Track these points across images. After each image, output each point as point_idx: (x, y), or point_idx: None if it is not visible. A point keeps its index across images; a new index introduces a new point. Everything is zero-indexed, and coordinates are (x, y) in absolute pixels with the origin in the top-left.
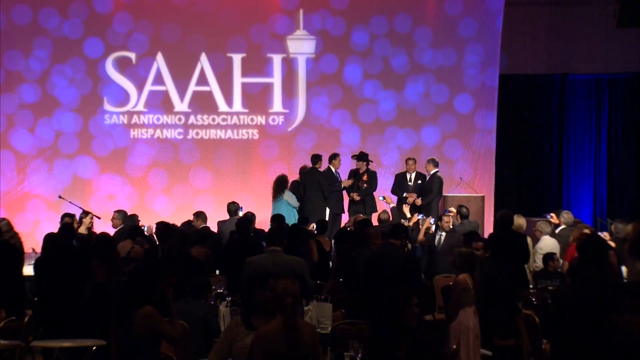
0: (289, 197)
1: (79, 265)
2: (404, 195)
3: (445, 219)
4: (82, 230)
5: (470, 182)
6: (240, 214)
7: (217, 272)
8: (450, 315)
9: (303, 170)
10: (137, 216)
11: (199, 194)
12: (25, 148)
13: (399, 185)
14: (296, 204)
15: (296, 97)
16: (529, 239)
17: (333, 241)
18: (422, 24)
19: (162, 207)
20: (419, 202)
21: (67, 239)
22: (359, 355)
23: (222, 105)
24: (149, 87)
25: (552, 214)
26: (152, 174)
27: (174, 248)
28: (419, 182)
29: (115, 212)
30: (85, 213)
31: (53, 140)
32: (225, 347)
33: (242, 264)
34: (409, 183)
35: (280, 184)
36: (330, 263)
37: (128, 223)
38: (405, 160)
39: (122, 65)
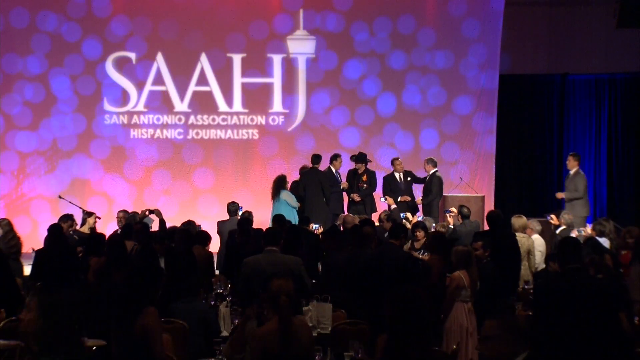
0: (287, 197)
1: (73, 263)
2: (399, 199)
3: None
4: (85, 229)
5: (470, 182)
6: (240, 214)
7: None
8: (444, 311)
9: (303, 171)
10: (138, 216)
11: (200, 194)
12: (25, 148)
13: (391, 187)
14: (295, 204)
15: (296, 97)
16: (538, 240)
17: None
18: (425, 25)
19: (162, 207)
20: (419, 201)
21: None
22: (359, 355)
23: (222, 105)
24: (149, 87)
25: (552, 215)
26: (152, 174)
27: (179, 247)
28: (409, 178)
29: (120, 211)
30: (89, 214)
31: (53, 141)
32: (241, 339)
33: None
34: (400, 182)
35: (277, 185)
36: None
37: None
38: (391, 162)
39: (122, 66)
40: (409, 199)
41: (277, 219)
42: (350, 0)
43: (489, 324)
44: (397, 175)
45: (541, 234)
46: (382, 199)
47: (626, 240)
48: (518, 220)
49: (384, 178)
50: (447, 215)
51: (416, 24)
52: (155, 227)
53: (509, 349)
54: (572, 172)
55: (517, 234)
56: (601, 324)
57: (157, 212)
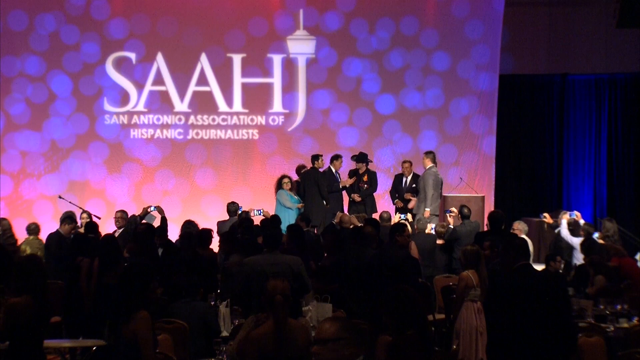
0: (280, 197)
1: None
2: (404, 197)
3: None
4: (82, 229)
5: (470, 182)
6: (239, 213)
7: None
8: (453, 311)
9: (302, 171)
10: (137, 217)
11: (201, 194)
12: (25, 149)
13: (396, 187)
14: (290, 204)
15: (296, 97)
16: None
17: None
18: (428, 26)
19: (164, 207)
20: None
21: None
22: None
23: (222, 105)
24: (149, 87)
25: (546, 214)
26: (152, 174)
27: (185, 248)
28: (414, 185)
29: (118, 212)
30: (83, 212)
31: (53, 141)
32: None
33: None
34: (404, 186)
35: (276, 185)
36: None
37: (130, 224)
38: (402, 163)
39: (122, 66)
40: (401, 204)
41: (272, 219)
42: (353, 0)
43: (326, 325)
44: (404, 178)
45: (528, 235)
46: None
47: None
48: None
49: (395, 176)
50: (448, 215)
51: (419, 25)
52: (157, 223)
53: (348, 351)
54: (425, 169)
55: None
56: (550, 315)
57: (159, 209)
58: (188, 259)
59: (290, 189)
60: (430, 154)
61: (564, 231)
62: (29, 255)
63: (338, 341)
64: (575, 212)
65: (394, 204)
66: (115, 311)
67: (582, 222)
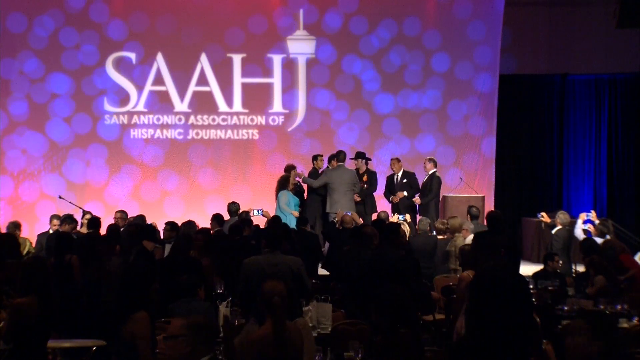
0: (280, 199)
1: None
2: (390, 198)
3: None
4: (84, 230)
5: (470, 182)
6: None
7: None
8: (454, 311)
9: (292, 170)
10: (145, 217)
11: (200, 194)
12: (26, 149)
13: (389, 187)
14: (286, 208)
15: (296, 97)
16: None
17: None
18: (430, 27)
19: (165, 207)
20: (417, 201)
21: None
22: (359, 355)
23: (222, 105)
24: (149, 87)
25: (543, 213)
26: (152, 174)
27: (179, 250)
28: (405, 180)
29: (117, 212)
30: (85, 213)
31: (54, 142)
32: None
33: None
34: (395, 183)
35: (278, 185)
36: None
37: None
38: (390, 160)
39: (122, 66)
40: (397, 200)
41: (273, 220)
42: (356, 1)
43: (175, 322)
44: (395, 176)
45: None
46: (401, 218)
47: None
48: (454, 221)
49: (387, 177)
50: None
51: (421, 26)
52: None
53: (191, 348)
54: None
55: (455, 234)
56: (521, 316)
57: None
58: (186, 260)
59: (291, 190)
60: (341, 153)
61: (578, 231)
62: (34, 256)
63: (177, 338)
64: (592, 212)
65: (389, 202)
66: (114, 311)
67: (597, 221)
